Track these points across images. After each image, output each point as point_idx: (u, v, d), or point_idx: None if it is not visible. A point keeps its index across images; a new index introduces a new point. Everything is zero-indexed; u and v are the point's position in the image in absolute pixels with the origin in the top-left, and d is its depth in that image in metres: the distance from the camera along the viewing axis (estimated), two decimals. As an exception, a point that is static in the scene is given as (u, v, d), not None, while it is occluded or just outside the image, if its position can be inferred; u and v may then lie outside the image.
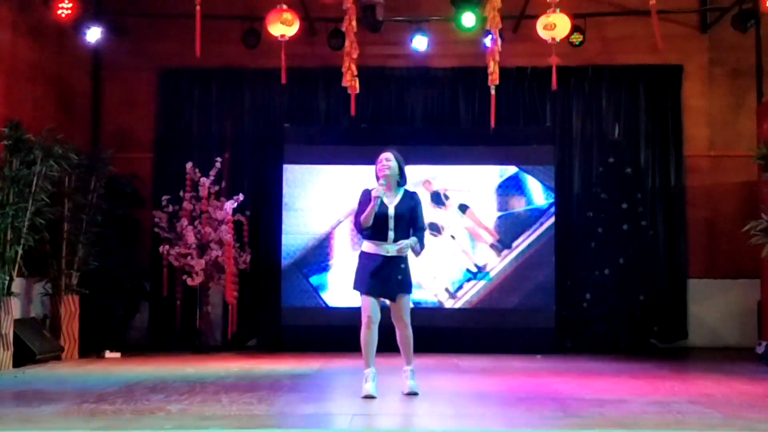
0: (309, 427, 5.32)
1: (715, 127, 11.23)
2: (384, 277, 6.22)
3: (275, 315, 10.54)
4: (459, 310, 10.33)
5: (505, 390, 7.10)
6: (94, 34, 10.13)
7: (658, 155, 11.10)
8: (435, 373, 8.00)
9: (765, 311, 9.85)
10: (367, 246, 6.33)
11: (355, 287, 6.36)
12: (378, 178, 6.36)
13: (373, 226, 6.27)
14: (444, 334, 10.01)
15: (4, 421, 5.28)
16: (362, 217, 6.25)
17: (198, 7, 8.45)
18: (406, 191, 6.43)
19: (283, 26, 8.92)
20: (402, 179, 6.43)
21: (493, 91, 8.88)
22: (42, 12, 9.61)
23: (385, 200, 6.30)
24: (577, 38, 10.19)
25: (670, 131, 11.12)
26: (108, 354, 9.46)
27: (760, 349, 9.20)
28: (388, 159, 6.37)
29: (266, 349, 10.46)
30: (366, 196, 6.32)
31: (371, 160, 6.49)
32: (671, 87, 11.16)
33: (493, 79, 8.48)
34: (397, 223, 6.27)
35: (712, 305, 10.91)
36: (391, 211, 6.27)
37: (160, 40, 11.12)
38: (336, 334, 9.88)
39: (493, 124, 9.53)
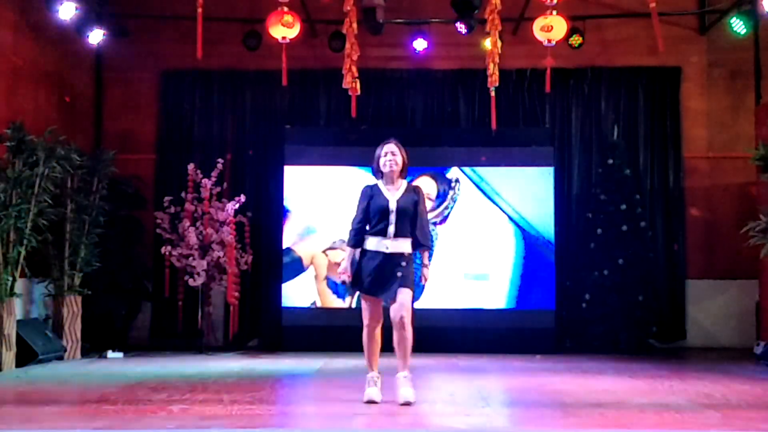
0: (309, 427, 5.36)
1: (713, 128, 11.26)
2: (384, 275, 5.90)
3: (276, 315, 10.58)
4: (459, 310, 10.35)
5: (505, 390, 7.14)
6: (96, 36, 10.18)
7: (657, 156, 11.13)
8: (435, 373, 8.05)
9: (763, 311, 9.87)
10: (369, 242, 5.99)
11: (354, 286, 6.05)
12: (379, 173, 6.11)
13: (374, 220, 5.98)
14: (444, 334, 10.03)
15: (6, 421, 5.32)
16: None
17: (199, 9, 8.46)
18: (408, 184, 6.13)
19: (284, 28, 8.95)
20: (405, 172, 6.14)
21: (492, 93, 8.90)
22: (44, 13, 9.64)
23: (386, 193, 6.04)
24: (576, 40, 10.26)
25: (668, 132, 11.15)
26: (110, 354, 9.50)
27: (758, 350, 9.22)
28: (394, 153, 6.07)
29: (267, 350, 10.49)
30: (366, 194, 6.06)
31: (372, 161, 6.41)
32: (670, 88, 11.19)
33: (493, 80, 8.49)
34: (398, 217, 5.95)
35: (711, 306, 10.95)
36: (393, 206, 5.97)
37: (162, 41, 11.15)
38: (336, 335, 9.91)
39: (493, 125, 9.57)
